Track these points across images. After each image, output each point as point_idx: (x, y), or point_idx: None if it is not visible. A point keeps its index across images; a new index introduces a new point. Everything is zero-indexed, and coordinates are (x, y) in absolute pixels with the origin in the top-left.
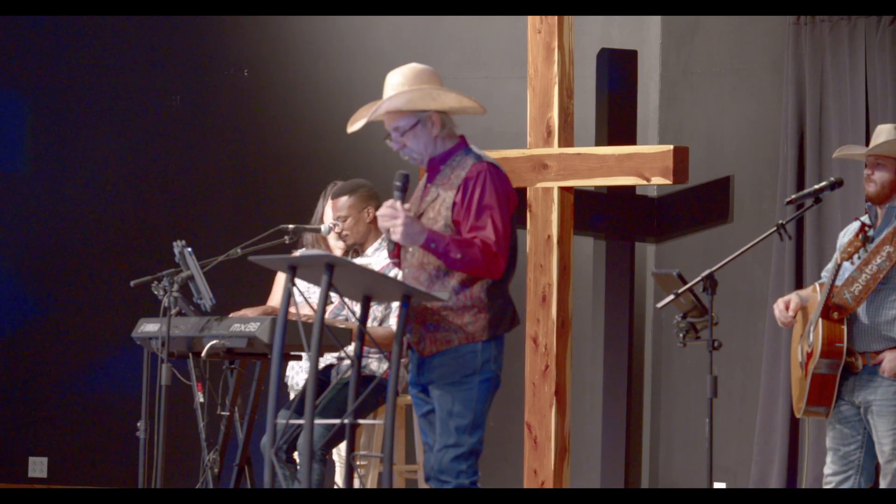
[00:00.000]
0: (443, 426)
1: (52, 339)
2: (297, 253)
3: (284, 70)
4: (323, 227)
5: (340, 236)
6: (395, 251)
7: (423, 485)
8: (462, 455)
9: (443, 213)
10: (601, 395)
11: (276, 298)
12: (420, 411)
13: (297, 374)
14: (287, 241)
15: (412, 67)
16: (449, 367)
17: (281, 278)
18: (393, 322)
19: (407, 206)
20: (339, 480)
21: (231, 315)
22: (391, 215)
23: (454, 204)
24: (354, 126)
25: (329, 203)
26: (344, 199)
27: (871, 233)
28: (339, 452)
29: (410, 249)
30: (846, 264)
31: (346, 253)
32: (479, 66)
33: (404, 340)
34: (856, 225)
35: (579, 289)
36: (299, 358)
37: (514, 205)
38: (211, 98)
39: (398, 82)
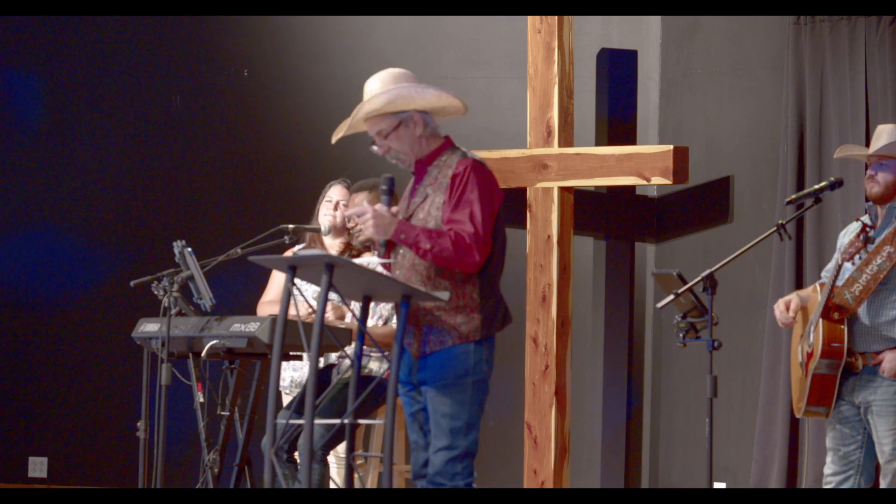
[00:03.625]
0: (436, 427)
1: (53, 339)
2: (296, 249)
3: (284, 70)
4: (323, 227)
5: (352, 231)
6: (387, 254)
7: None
8: (457, 457)
9: (433, 214)
10: (601, 395)
11: (271, 293)
12: (409, 410)
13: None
14: (287, 241)
15: (388, 71)
16: (443, 367)
17: (277, 275)
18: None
19: (395, 209)
20: (335, 479)
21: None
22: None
23: (444, 203)
24: (338, 135)
25: (324, 202)
26: (363, 196)
27: (871, 233)
28: (336, 453)
29: (402, 251)
30: (847, 265)
31: (344, 250)
32: (479, 66)
33: None
34: (856, 225)
35: (579, 289)
36: (299, 358)
37: (498, 202)
38: (211, 98)
39: (376, 87)
